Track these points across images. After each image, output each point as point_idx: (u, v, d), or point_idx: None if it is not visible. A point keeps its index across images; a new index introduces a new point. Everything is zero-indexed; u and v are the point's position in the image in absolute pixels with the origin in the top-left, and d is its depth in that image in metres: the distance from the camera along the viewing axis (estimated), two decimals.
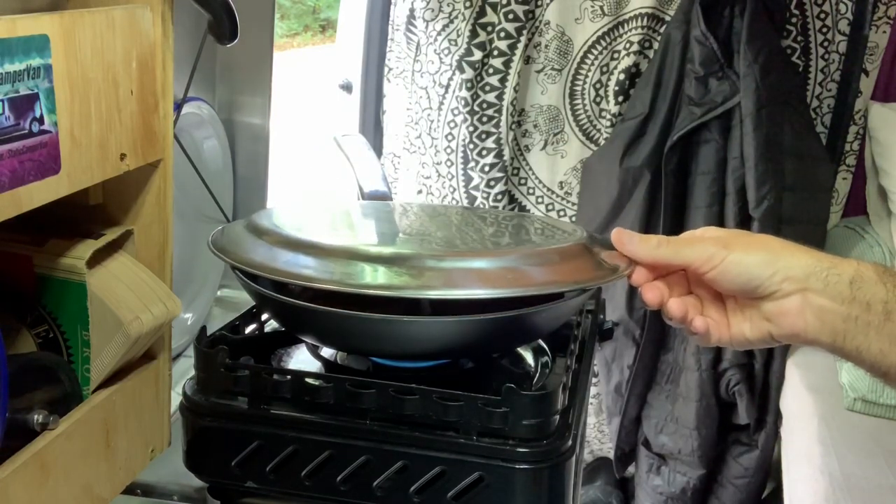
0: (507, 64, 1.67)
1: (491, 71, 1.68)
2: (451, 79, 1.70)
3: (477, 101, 1.70)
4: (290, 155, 2.95)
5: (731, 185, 1.54)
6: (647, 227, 1.61)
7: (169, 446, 0.77)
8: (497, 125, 1.71)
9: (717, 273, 0.58)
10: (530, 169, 1.77)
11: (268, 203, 1.34)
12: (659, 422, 1.69)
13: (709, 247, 0.58)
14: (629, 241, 0.62)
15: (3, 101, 0.52)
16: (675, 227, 1.60)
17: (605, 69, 1.69)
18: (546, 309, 0.69)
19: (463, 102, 1.69)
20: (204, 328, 0.73)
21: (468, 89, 1.68)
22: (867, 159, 1.69)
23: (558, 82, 1.71)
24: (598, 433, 1.92)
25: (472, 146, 1.72)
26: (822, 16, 1.62)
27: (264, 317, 0.82)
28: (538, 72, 1.71)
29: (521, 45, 1.66)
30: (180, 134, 1.02)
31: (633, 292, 1.65)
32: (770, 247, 0.57)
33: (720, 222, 1.55)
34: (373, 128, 1.96)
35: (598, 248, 0.71)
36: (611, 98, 1.69)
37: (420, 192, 1.84)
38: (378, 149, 1.95)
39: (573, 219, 1.77)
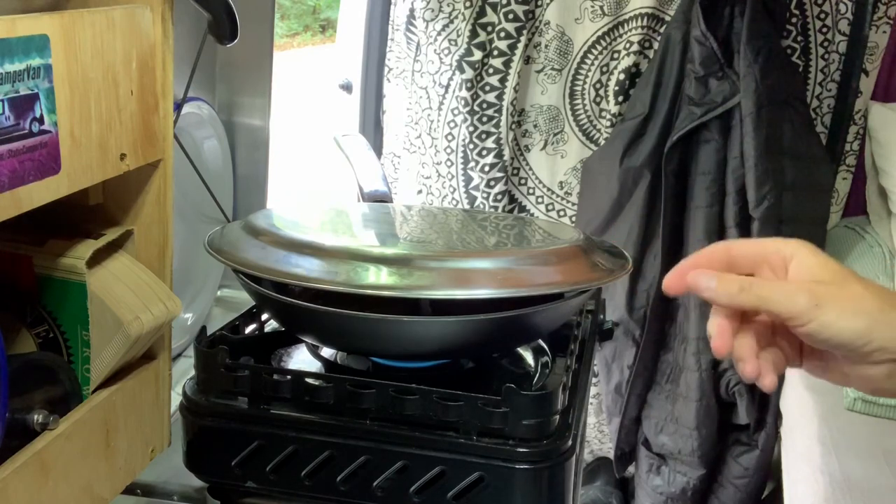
0: (507, 64, 1.67)
1: (491, 71, 1.68)
2: (451, 79, 1.70)
3: (477, 101, 1.70)
4: (290, 155, 2.95)
5: (731, 185, 1.54)
6: (647, 227, 1.61)
7: (169, 446, 0.77)
8: (497, 125, 1.71)
9: (803, 331, 0.53)
10: (530, 169, 1.77)
11: (268, 203, 1.34)
12: (659, 422, 1.69)
13: (799, 299, 0.52)
14: (707, 284, 0.55)
15: (3, 101, 0.52)
16: (675, 227, 1.60)
17: (605, 69, 1.69)
18: (546, 309, 0.70)
19: (463, 102, 1.69)
20: (204, 328, 0.73)
21: (468, 89, 1.69)
22: (867, 159, 1.69)
23: (558, 82, 1.71)
24: (598, 433, 1.92)
25: (472, 146, 1.72)
26: (822, 16, 1.62)
27: (264, 317, 0.82)
28: (538, 72, 1.71)
29: (521, 45, 1.66)
30: (180, 134, 1.02)
31: (633, 292, 1.65)
32: (868, 310, 0.52)
33: (720, 222, 1.55)
34: (373, 128, 1.96)
35: (596, 250, 0.71)
36: (611, 98, 1.69)
37: (420, 192, 1.84)
38: (378, 149, 1.95)
39: (573, 219, 1.77)
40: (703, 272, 0.56)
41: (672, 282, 0.57)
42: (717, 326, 0.56)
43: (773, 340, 0.57)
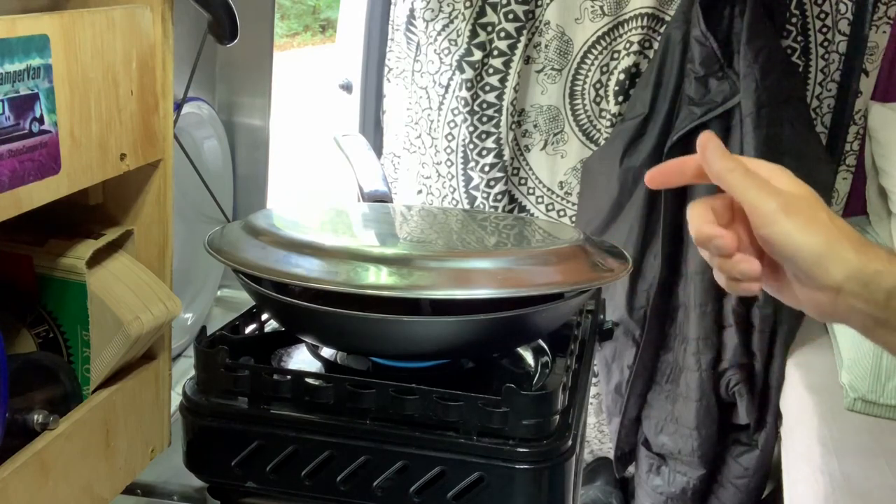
0: (507, 64, 1.67)
1: (491, 71, 1.68)
2: (451, 79, 1.70)
3: (477, 101, 1.70)
4: (290, 155, 2.95)
5: None
6: (647, 227, 1.61)
7: (169, 446, 0.77)
8: (497, 125, 1.71)
9: (764, 233, 0.56)
10: (530, 169, 1.77)
11: (268, 203, 1.34)
12: (659, 422, 1.69)
13: (771, 201, 0.55)
14: (712, 151, 0.59)
15: (3, 101, 0.52)
16: (675, 227, 1.60)
17: (605, 69, 1.69)
18: (546, 309, 0.70)
19: (463, 102, 1.69)
20: (204, 328, 0.73)
21: (468, 89, 1.69)
22: (867, 159, 1.69)
23: (558, 82, 1.71)
24: (598, 433, 1.92)
25: (472, 146, 1.72)
26: (822, 16, 1.62)
27: (264, 317, 0.82)
28: (538, 72, 1.71)
29: (521, 45, 1.66)
30: (180, 134, 1.02)
31: (633, 292, 1.65)
32: (825, 234, 0.55)
33: None
34: (373, 128, 1.96)
35: (596, 250, 0.71)
36: (611, 98, 1.69)
37: (420, 192, 1.84)
38: (378, 149, 1.95)
39: (573, 219, 1.77)
40: (713, 140, 0.59)
41: (654, 174, 0.62)
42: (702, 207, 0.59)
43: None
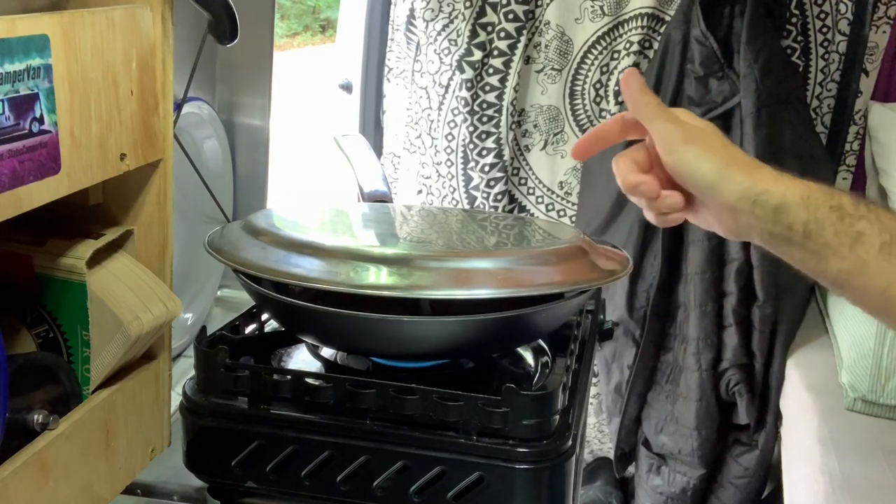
0: (507, 64, 1.67)
1: (491, 71, 1.68)
2: (451, 79, 1.70)
3: (477, 101, 1.70)
4: (290, 155, 2.95)
5: None
6: (647, 227, 1.61)
7: (169, 446, 0.77)
8: (497, 125, 1.71)
9: (668, 160, 0.63)
10: (530, 169, 1.77)
11: (268, 203, 1.34)
12: (659, 422, 1.69)
13: (675, 131, 0.62)
14: (633, 84, 0.65)
15: (3, 101, 0.52)
16: (675, 227, 1.59)
17: (605, 69, 1.69)
18: (546, 309, 0.70)
19: (463, 102, 1.69)
20: (204, 328, 0.73)
21: (468, 89, 1.69)
22: (867, 159, 1.69)
23: (558, 82, 1.71)
24: (598, 433, 1.92)
25: (472, 146, 1.72)
26: (822, 16, 1.62)
27: (264, 317, 0.82)
28: (538, 72, 1.71)
29: (521, 45, 1.66)
30: (180, 134, 1.02)
31: (633, 292, 1.65)
32: (719, 158, 0.62)
33: None
34: (373, 128, 1.96)
35: (596, 250, 0.71)
36: (611, 98, 1.69)
37: (420, 192, 1.84)
38: (378, 149, 1.95)
39: (573, 219, 1.77)
40: (635, 75, 0.65)
41: (576, 148, 0.70)
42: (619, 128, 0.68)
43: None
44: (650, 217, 0.67)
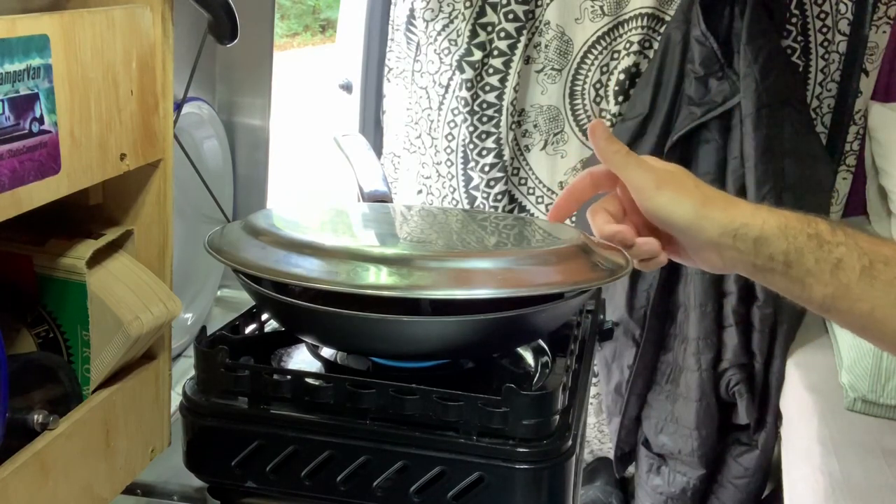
0: (507, 64, 1.67)
1: (491, 71, 1.68)
2: (451, 79, 1.70)
3: (477, 101, 1.70)
4: (290, 155, 2.95)
5: (731, 185, 1.54)
6: None
7: (169, 446, 0.77)
8: (497, 125, 1.71)
9: (646, 206, 0.65)
10: (530, 169, 1.77)
11: (268, 203, 1.34)
12: (659, 422, 1.69)
13: (648, 179, 0.64)
14: (600, 135, 0.67)
15: (3, 101, 0.52)
16: None
17: (605, 69, 1.69)
18: (546, 309, 0.70)
19: (463, 102, 1.69)
20: (204, 328, 0.73)
21: (468, 89, 1.69)
22: (867, 159, 1.69)
23: (558, 82, 1.71)
24: (598, 433, 1.92)
25: (472, 146, 1.72)
26: (822, 16, 1.62)
27: (264, 317, 0.82)
28: (538, 72, 1.71)
29: (521, 45, 1.66)
30: (180, 134, 1.02)
31: (633, 292, 1.65)
32: (694, 200, 0.63)
33: None
34: (373, 128, 1.96)
35: (596, 250, 0.71)
36: (611, 98, 1.69)
37: (420, 192, 1.84)
38: (378, 149, 1.95)
39: (573, 219, 1.77)
40: (601, 127, 0.67)
41: (553, 214, 0.74)
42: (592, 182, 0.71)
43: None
44: (633, 263, 0.68)
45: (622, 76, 1.67)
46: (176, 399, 0.74)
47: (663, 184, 0.64)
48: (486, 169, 1.73)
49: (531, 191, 1.79)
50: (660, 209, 0.64)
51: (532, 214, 1.81)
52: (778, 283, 0.63)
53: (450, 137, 1.74)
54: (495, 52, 1.67)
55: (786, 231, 0.62)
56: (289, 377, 0.67)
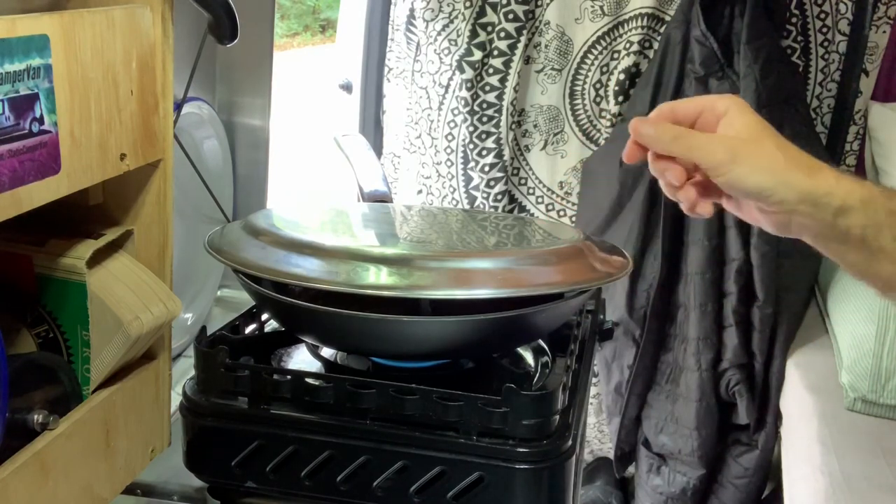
0: (507, 64, 1.67)
1: (491, 71, 1.68)
2: (451, 79, 1.70)
3: (477, 101, 1.70)
4: (290, 155, 2.95)
5: None
6: (647, 227, 1.61)
7: (169, 446, 0.77)
8: (497, 125, 1.71)
9: (720, 181, 0.60)
10: (530, 169, 1.77)
11: (268, 203, 1.34)
12: (659, 422, 1.69)
13: (719, 153, 0.60)
14: (647, 131, 0.62)
15: (3, 101, 0.52)
16: (676, 227, 1.60)
17: (605, 69, 1.69)
18: (546, 309, 0.70)
19: (463, 102, 1.69)
20: (204, 328, 0.73)
21: (468, 89, 1.69)
22: (867, 159, 1.69)
23: (558, 82, 1.71)
24: (598, 433, 1.92)
25: (472, 146, 1.72)
26: (822, 16, 1.62)
27: (264, 317, 0.82)
28: (538, 72, 1.71)
29: (521, 45, 1.66)
30: (180, 134, 1.02)
31: (633, 292, 1.65)
32: (775, 166, 0.59)
33: (720, 222, 1.55)
34: (373, 128, 1.96)
35: (596, 250, 0.71)
36: (611, 98, 1.69)
37: (420, 192, 1.84)
38: (378, 149, 1.95)
39: (573, 219, 1.77)
40: (643, 120, 0.63)
41: (630, 151, 0.64)
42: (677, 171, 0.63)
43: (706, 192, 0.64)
44: (684, 208, 0.65)
45: (622, 76, 1.67)
46: (176, 399, 0.74)
47: (739, 156, 0.59)
48: (486, 169, 1.73)
49: (531, 191, 1.79)
50: (736, 183, 0.60)
51: (532, 214, 1.81)
52: (846, 255, 0.61)
53: (450, 137, 1.74)
54: (495, 52, 1.67)
55: (867, 205, 0.59)
56: (289, 377, 0.68)
